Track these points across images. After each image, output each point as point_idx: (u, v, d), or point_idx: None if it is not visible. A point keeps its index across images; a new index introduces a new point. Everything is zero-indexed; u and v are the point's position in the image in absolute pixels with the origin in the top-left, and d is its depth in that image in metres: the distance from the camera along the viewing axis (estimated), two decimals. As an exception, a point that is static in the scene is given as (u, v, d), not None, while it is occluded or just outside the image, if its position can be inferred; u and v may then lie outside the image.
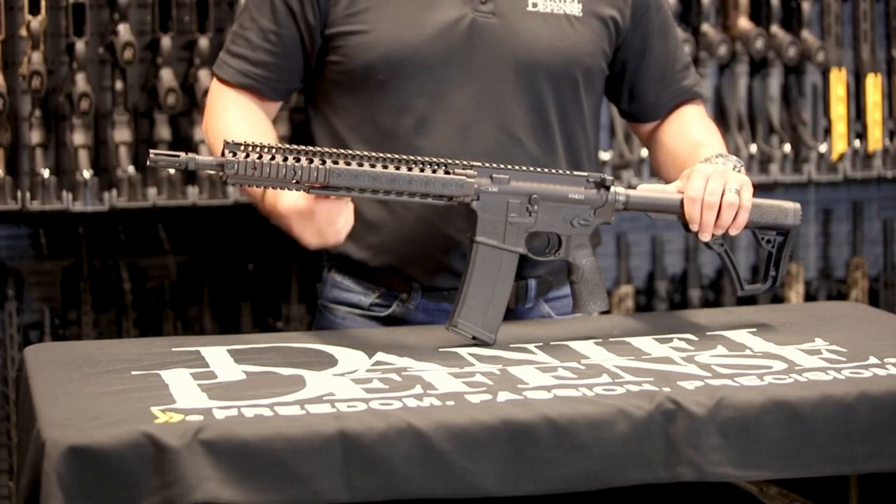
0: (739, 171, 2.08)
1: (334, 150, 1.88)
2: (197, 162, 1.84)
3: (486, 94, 2.14)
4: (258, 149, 1.84)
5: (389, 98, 2.14)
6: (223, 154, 1.84)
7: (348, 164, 1.87)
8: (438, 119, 2.13)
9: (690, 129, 2.29)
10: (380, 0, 2.13)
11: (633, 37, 2.25)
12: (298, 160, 1.85)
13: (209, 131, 2.21)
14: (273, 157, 1.85)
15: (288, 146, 1.87)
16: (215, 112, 2.20)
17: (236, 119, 2.16)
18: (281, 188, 1.88)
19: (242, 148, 1.84)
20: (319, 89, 2.22)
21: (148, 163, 1.83)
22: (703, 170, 2.05)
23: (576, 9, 2.18)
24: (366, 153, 1.89)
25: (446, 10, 2.13)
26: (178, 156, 1.83)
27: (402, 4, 2.13)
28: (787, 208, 2.10)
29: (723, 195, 2.01)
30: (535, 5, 2.16)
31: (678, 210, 2.05)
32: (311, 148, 1.87)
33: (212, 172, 2.94)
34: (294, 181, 1.86)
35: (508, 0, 2.15)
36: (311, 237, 1.97)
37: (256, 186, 1.89)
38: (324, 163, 1.86)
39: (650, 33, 2.27)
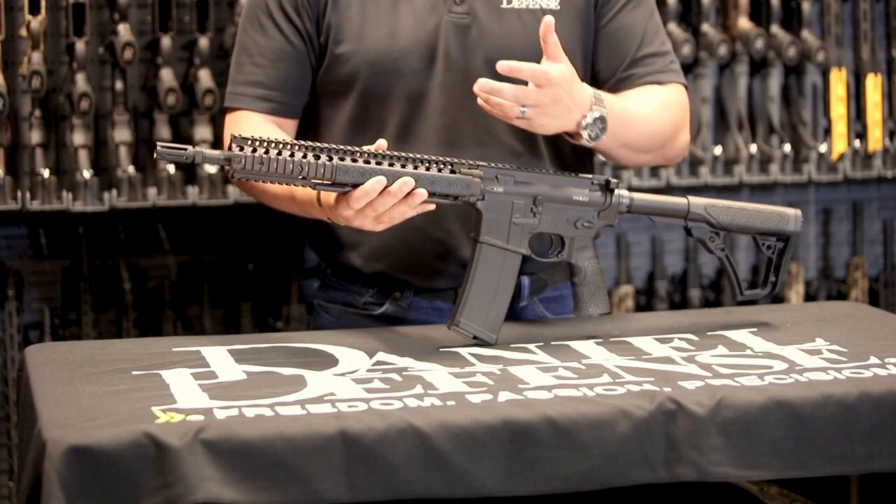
0: (591, 124, 2.04)
1: (342, 146, 1.88)
2: (204, 155, 1.84)
3: (465, 95, 2.13)
4: (265, 144, 1.84)
5: (373, 107, 2.15)
6: (230, 148, 1.84)
7: (355, 160, 1.87)
8: (420, 123, 2.14)
9: (635, 91, 2.22)
10: (361, 10, 2.14)
11: (602, 19, 2.22)
12: (305, 156, 1.86)
13: None
14: (280, 153, 1.85)
15: (296, 142, 1.87)
16: None
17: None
18: (287, 184, 1.88)
19: (250, 142, 1.84)
20: (307, 102, 2.22)
21: (155, 156, 1.83)
22: (562, 86, 1.99)
23: (553, 2, 2.18)
24: (374, 151, 1.89)
25: (424, 15, 2.14)
26: (185, 149, 1.83)
27: (382, 13, 2.14)
28: (789, 215, 2.10)
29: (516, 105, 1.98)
30: (510, 2, 2.16)
31: (683, 214, 2.05)
32: (318, 144, 1.87)
33: (212, 172, 2.95)
34: (301, 177, 1.86)
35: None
36: (371, 223, 1.93)
37: (262, 181, 1.89)
38: (331, 159, 1.86)
39: (618, 18, 2.22)
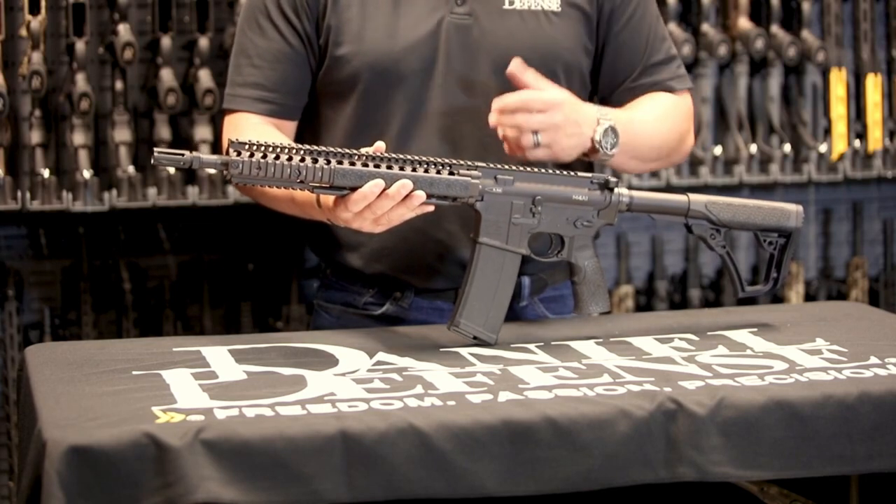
0: (603, 137, 2.06)
1: (339, 149, 1.88)
2: (201, 161, 1.84)
3: (467, 96, 2.14)
4: (262, 148, 1.84)
5: (374, 109, 2.15)
6: (227, 153, 1.84)
7: (353, 164, 1.87)
8: (422, 124, 2.14)
9: (639, 101, 2.25)
10: (361, 11, 2.14)
11: (612, 29, 2.23)
12: (303, 160, 1.85)
13: None
14: (277, 157, 1.84)
15: (293, 145, 1.86)
16: None
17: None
18: (285, 188, 1.88)
19: (247, 147, 1.84)
20: (308, 103, 2.21)
21: (152, 161, 1.83)
22: (564, 103, 2.03)
23: (554, 4, 2.18)
24: (371, 154, 1.89)
25: (424, 16, 2.14)
26: (182, 154, 1.82)
27: (382, 14, 2.13)
28: (790, 210, 2.10)
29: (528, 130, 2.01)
30: (511, 3, 2.16)
31: (684, 212, 2.05)
32: (315, 147, 1.87)
33: (212, 172, 2.95)
34: (298, 181, 1.86)
35: (485, 0, 2.16)
36: (369, 225, 1.93)
37: (260, 186, 1.89)
38: (328, 163, 1.86)
39: (628, 27, 2.23)
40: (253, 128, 2.14)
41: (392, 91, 2.14)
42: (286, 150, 1.85)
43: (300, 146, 1.86)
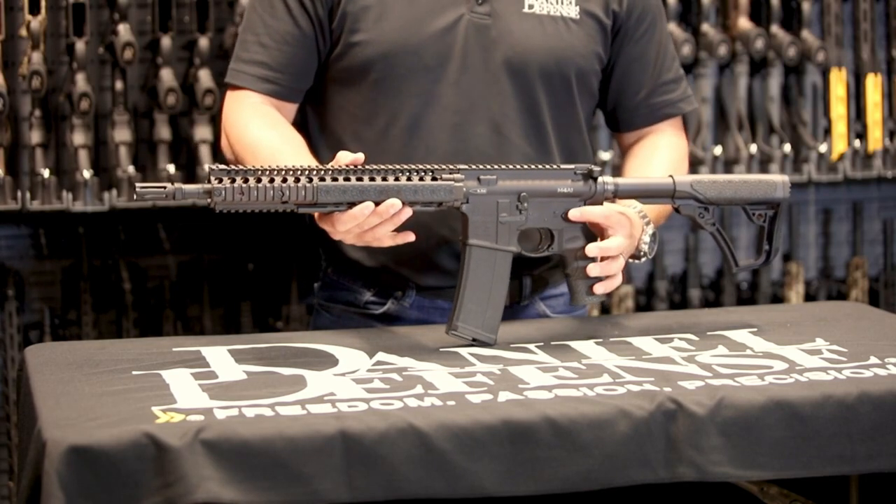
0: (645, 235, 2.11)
1: (320, 166, 1.88)
2: (184, 192, 1.83)
3: (479, 95, 2.15)
4: (244, 173, 1.83)
5: (385, 98, 2.15)
6: (209, 181, 1.84)
7: (335, 179, 1.87)
8: (432, 119, 2.14)
9: (654, 166, 2.29)
10: (380, 1, 2.14)
11: (625, 43, 2.26)
12: (285, 181, 1.84)
13: (236, 143, 2.16)
14: (259, 180, 1.84)
15: (274, 167, 1.85)
16: (237, 125, 2.16)
17: (262, 128, 2.13)
18: (270, 210, 1.87)
19: (228, 174, 1.83)
20: (318, 88, 2.22)
21: (135, 197, 1.83)
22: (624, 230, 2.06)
23: (573, 11, 2.19)
24: (352, 167, 1.88)
25: (444, 12, 2.14)
26: (164, 187, 1.82)
27: (401, 5, 2.14)
28: (776, 181, 2.10)
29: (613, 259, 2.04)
30: (531, 7, 2.17)
31: (670, 193, 2.05)
32: (297, 166, 1.86)
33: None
34: (282, 202, 1.85)
35: (505, 2, 2.16)
36: (352, 238, 1.95)
37: (245, 211, 1.87)
38: (311, 181, 1.85)
39: (641, 42, 2.27)
40: (253, 107, 2.15)
41: (404, 82, 2.14)
42: (268, 173, 1.84)
43: (281, 166, 1.85)
